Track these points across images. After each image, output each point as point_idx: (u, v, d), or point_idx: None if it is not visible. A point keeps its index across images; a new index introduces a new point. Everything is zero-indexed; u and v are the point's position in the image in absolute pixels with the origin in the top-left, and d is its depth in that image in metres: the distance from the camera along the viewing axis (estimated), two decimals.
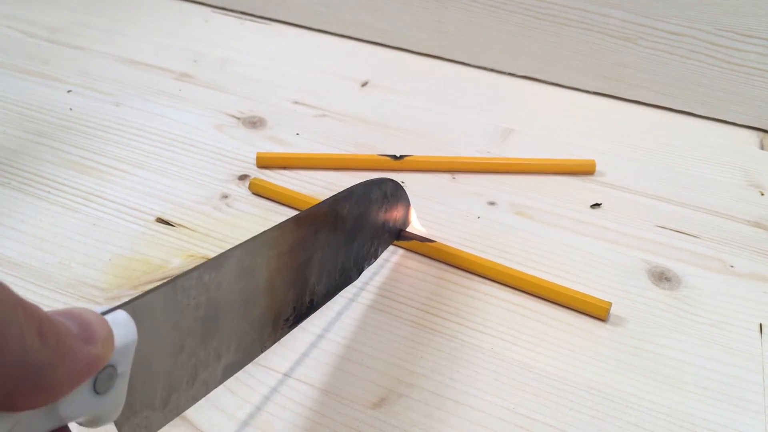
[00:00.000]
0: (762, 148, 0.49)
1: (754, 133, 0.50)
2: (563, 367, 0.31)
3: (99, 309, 0.18)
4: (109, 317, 0.18)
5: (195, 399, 0.23)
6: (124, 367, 0.18)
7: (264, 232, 0.25)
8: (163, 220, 0.38)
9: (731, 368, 0.32)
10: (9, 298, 0.14)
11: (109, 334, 0.17)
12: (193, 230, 0.38)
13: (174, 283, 0.21)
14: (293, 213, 0.39)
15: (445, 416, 0.29)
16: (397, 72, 0.55)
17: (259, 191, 0.40)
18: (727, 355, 0.32)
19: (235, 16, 0.62)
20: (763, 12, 0.47)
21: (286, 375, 0.30)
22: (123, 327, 0.18)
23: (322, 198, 0.40)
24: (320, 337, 0.32)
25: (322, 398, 0.29)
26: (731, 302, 0.35)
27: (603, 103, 0.53)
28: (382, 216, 0.34)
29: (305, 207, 0.39)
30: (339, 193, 0.31)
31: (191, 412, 0.28)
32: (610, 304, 0.33)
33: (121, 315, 0.18)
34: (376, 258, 0.35)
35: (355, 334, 0.32)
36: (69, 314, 0.16)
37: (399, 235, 0.37)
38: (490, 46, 0.55)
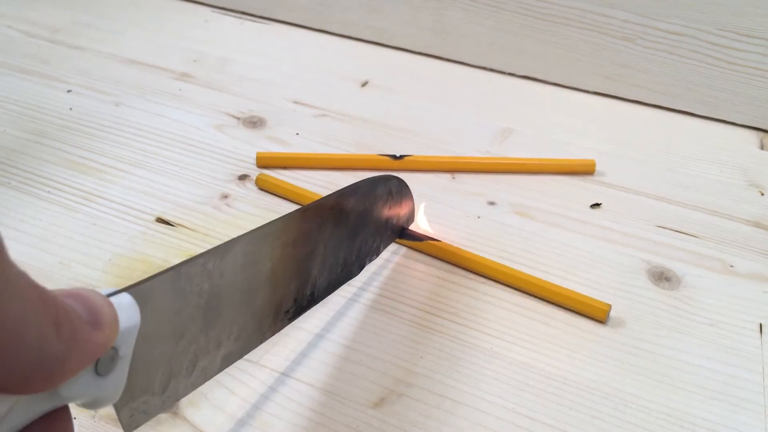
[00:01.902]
0: (762, 148, 0.49)
1: (754, 133, 0.50)
2: (563, 367, 0.31)
3: (104, 291, 0.18)
4: (113, 300, 0.18)
5: (194, 386, 0.23)
6: (126, 350, 0.18)
7: (270, 222, 0.25)
8: (163, 220, 0.38)
9: (731, 368, 0.32)
10: (29, 292, 0.14)
11: (115, 319, 0.17)
12: (193, 230, 0.38)
13: (179, 269, 0.21)
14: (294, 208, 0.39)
15: (445, 416, 0.29)
16: (397, 72, 0.55)
17: (265, 186, 0.41)
18: (727, 355, 0.32)
19: (235, 16, 0.62)
20: (764, 12, 0.47)
21: (286, 375, 0.30)
22: (126, 310, 0.18)
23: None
24: (320, 337, 0.32)
25: (322, 398, 0.29)
26: (731, 302, 0.35)
27: (603, 103, 0.53)
28: (385, 213, 0.34)
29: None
30: (345, 187, 0.31)
31: (191, 413, 0.28)
32: (609, 306, 0.33)
33: (126, 298, 0.18)
34: (377, 255, 0.35)
35: (355, 334, 0.32)
36: (78, 297, 0.16)
37: (402, 233, 0.37)
38: (490, 46, 0.55)
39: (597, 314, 0.33)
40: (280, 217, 0.26)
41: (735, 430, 0.29)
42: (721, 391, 0.31)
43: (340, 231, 0.30)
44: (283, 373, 0.30)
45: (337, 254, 0.31)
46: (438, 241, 0.37)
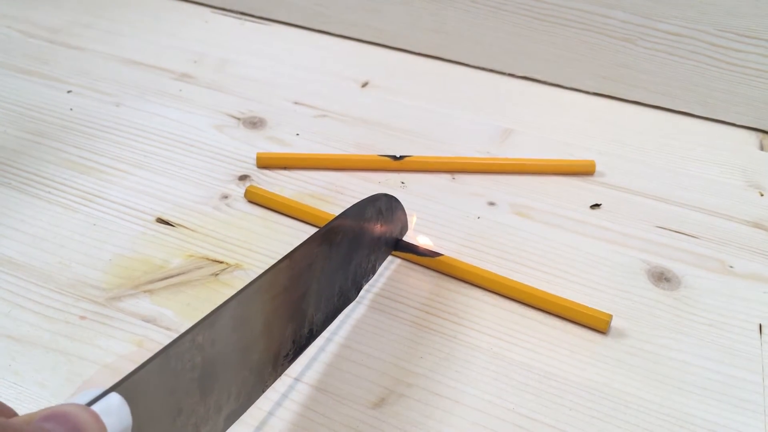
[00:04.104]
0: (761, 148, 0.49)
1: (754, 133, 0.50)
2: (563, 367, 0.31)
3: (92, 393, 0.18)
4: (101, 404, 0.17)
5: None
6: None
7: (257, 278, 0.25)
8: (163, 220, 0.38)
9: (731, 368, 0.32)
10: None
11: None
12: (193, 230, 0.38)
13: (167, 352, 0.20)
14: (294, 209, 0.39)
15: (445, 416, 0.29)
16: (397, 72, 0.55)
17: (255, 200, 0.40)
18: (727, 355, 0.32)
19: (235, 17, 0.62)
20: (763, 13, 0.47)
21: (286, 375, 0.30)
22: (116, 414, 0.18)
23: (320, 202, 0.40)
24: (320, 336, 0.32)
25: (322, 398, 0.29)
26: (731, 302, 0.35)
27: (603, 104, 0.53)
28: (378, 232, 0.33)
29: (302, 215, 0.39)
30: (332, 219, 0.30)
31: None
32: (610, 316, 0.33)
33: (114, 399, 0.18)
34: (374, 273, 0.34)
35: (355, 334, 0.32)
36: (59, 417, 0.16)
37: (396, 244, 0.36)
38: (489, 46, 0.55)
39: (598, 325, 0.33)
40: (267, 270, 0.25)
41: (735, 431, 0.29)
42: (721, 391, 0.31)
43: (332, 263, 0.29)
44: (283, 373, 0.30)
45: (333, 286, 0.30)
46: (435, 255, 0.36)
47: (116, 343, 0.31)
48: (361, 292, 0.34)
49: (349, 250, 0.31)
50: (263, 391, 0.26)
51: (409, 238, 0.37)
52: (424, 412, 0.29)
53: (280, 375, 0.27)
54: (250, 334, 0.25)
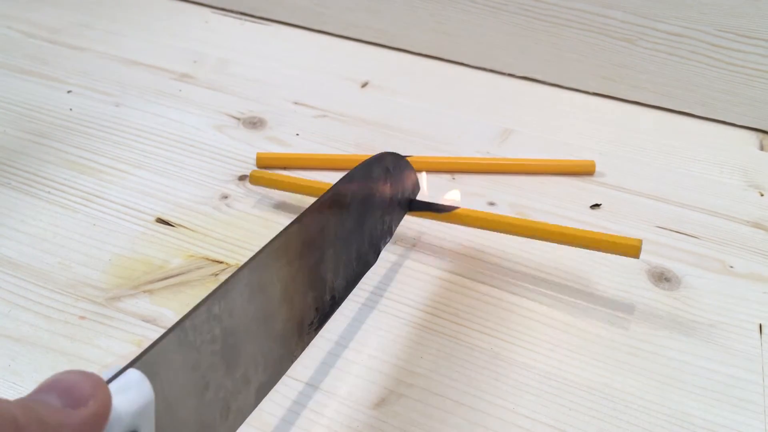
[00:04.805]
0: (762, 148, 0.49)
1: (754, 133, 0.50)
2: (563, 367, 0.31)
3: (110, 370, 0.17)
4: (120, 380, 0.17)
5: (233, 429, 0.22)
6: (148, 428, 0.18)
7: (267, 244, 0.24)
8: (163, 220, 0.38)
9: (731, 368, 0.32)
10: None
11: (98, 385, 0.16)
12: (193, 230, 0.38)
13: (183, 324, 0.20)
14: (294, 207, 0.39)
15: (445, 416, 0.29)
16: (397, 72, 0.55)
17: (261, 183, 0.40)
18: (727, 355, 0.32)
19: (235, 17, 0.62)
20: (763, 13, 0.47)
21: (286, 375, 0.30)
22: (136, 388, 0.17)
23: (320, 185, 0.40)
24: (320, 337, 0.32)
25: (322, 398, 0.29)
26: (731, 302, 0.35)
27: (603, 104, 0.53)
28: (388, 191, 0.33)
29: (307, 191, 0.39)
30: (338, 181, 0.29)
31: None
32: (640, 241, 0.33)
33: (133, 375, 0.18)
34: (391, 234, 0.34)
35: (355, 334, 0.32)
36: (51, 384, 0.16)
37: (411, 205, 0.36)
38: (490, 46, 0.55)
39: (629, 251, 0.33)
40: (277, 236, 0.25)
41: (735, 431, 0.29)
42: (721, 391, 0.31)
43: (344, 227, 0.29)
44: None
45: (349, 250, 0.29)
46: (452, 208, 0.35)
47: (116, 344, 0.31)
48: (362, 292, 0.34)
49: (362, 212, 0.30)
50: (292, 362, 0.26)
51: (439, 196, 0.37)
52: (424, 412, 0.29)
53: (307, 344, 0.27)
54: (268, 302, 0.24)
